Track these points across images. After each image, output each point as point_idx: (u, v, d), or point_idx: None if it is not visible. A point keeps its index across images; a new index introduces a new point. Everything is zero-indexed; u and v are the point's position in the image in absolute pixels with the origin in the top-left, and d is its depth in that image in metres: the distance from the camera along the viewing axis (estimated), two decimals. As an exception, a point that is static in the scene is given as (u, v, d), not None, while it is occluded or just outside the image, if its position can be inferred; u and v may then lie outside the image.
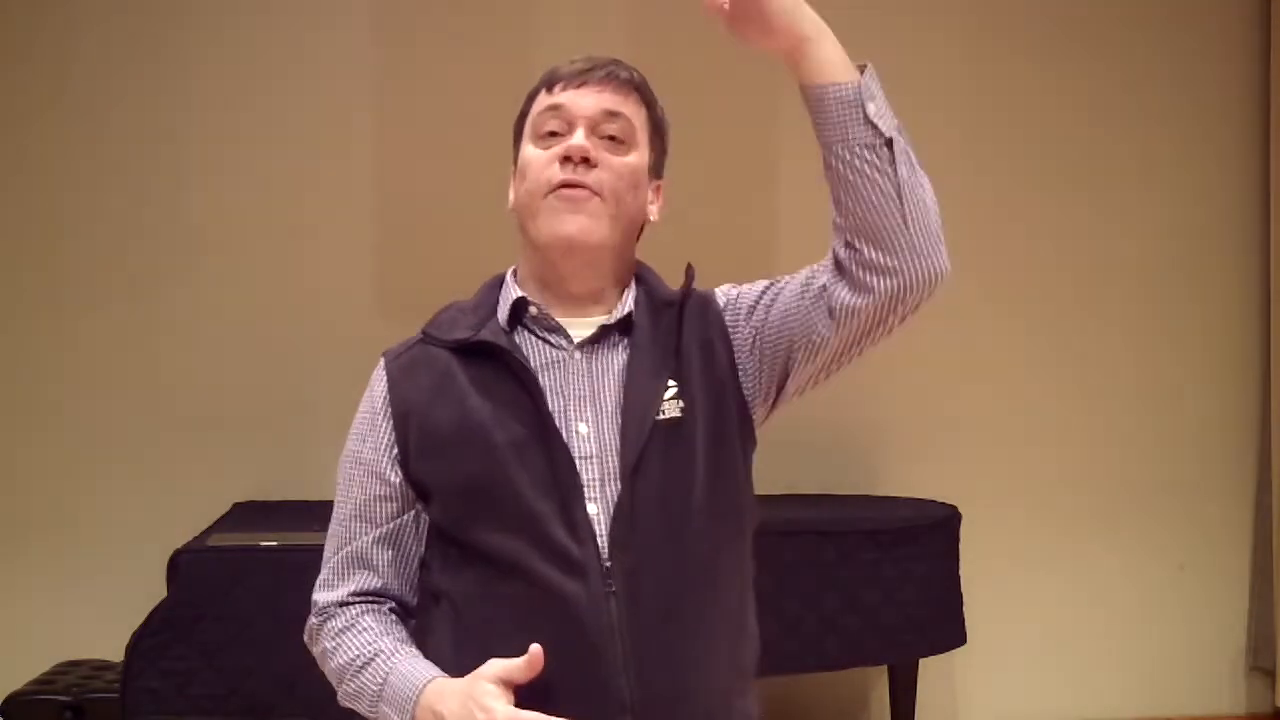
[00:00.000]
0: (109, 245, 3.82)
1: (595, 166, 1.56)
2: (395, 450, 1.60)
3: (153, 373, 3.82)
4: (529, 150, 1.61)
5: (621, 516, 1.51)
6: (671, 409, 1.57)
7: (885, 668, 3.58)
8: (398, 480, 1.60)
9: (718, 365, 1.63)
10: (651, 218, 1.66)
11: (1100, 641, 4.12)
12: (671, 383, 1.59)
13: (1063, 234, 4.12)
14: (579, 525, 1.50)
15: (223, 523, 3.38)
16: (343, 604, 1.59)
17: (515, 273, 1.68)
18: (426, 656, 1.54)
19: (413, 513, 1.61)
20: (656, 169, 1.66)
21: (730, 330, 1.66)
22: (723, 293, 1.70)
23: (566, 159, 1.55)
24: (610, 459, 1.54)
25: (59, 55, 3.80)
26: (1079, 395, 4.13)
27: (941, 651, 3.51)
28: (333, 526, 1.65)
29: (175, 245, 3.84)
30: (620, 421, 1.56)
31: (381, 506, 1.61)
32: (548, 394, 1.56)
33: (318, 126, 3.88)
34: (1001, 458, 4.08)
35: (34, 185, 3.82)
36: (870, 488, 3.95)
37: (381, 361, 1.67)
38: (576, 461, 1.53)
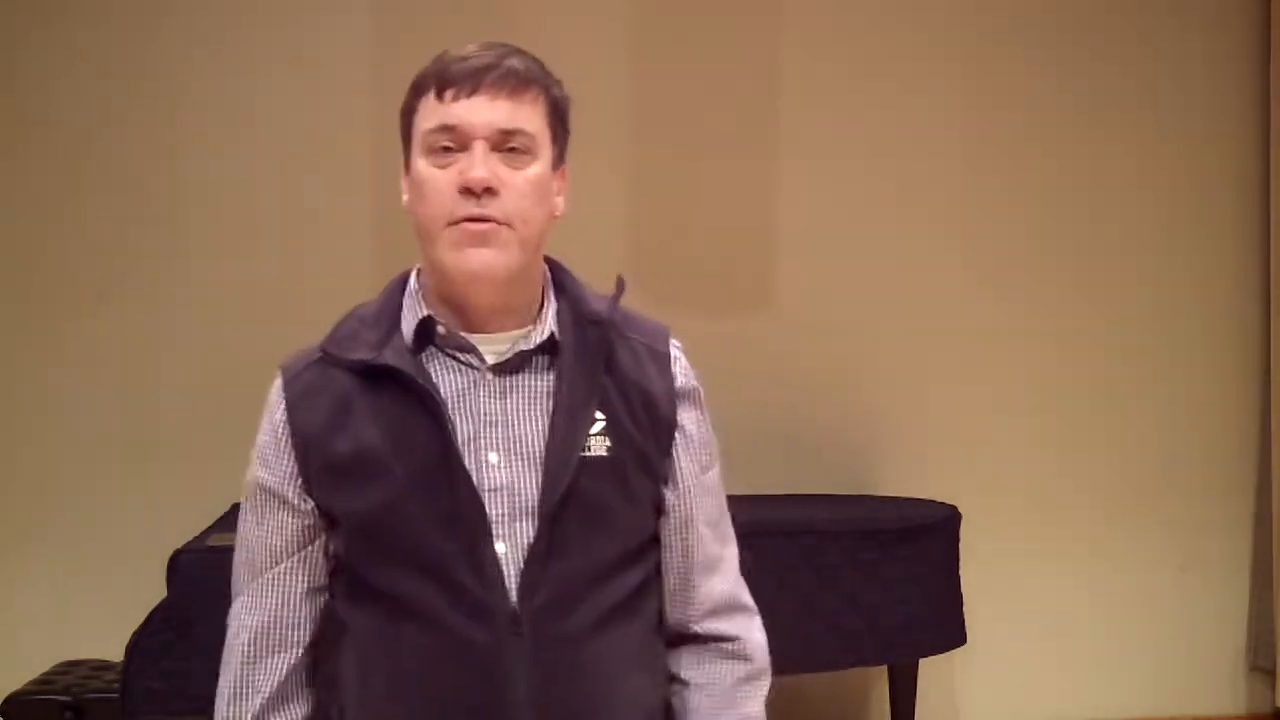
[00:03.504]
0: (108, 245, 3.82)
1: (498, 194, 1.43)
2: (299, 479, 1.50)
3: (153, 372, 3.82)
4: (423, 167, 1.50)
5: (535, 559, 1.42)
6: (598, 445, 1.47)
7: (885, 668, 3.58)
8: (307, 507, 1.50)
9: (655, 419, 1.51)
10: (557, 212, 1.52)
11: (1100, 641, 4.12)
12: (599, 415, 1.48)
13: (1064, 236, 4.12)
14: (485, 566, 1.42)
15: (223, 523, 3.38)
16: None
17: (419, 275, 1.57)
18: (333, 682, 1.51)
19: (323, 538, 1.53)
20: (560, 158, 1.53)
21: (672, 429, 1.53)
22: (684, 375, 1.56)
23: (468, 189, 1.44)
24: (523, 492, 1.44)
25: (55, 54, 3.80)
26: (1079, 395, 4.13)
27: (941, 651, 3.51)
28: (242, 554, 1.57)
29: (174, 244, 3.84)
30: (540, 454, 1.45)
31: (291, 535, 1.52)
32: (457, 419, 1.45)
33: (317, 125, 3.88)
34: (1001, 458, 4.08)
35: (34, 185, 3.82)
36: (870, 488, 3.95)
37: (279, 380, 1.54)
38: (484, 495, 1.43)
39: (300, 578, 1.53)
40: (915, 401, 4.04)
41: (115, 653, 3.05)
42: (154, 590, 3.05)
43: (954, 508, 3.57)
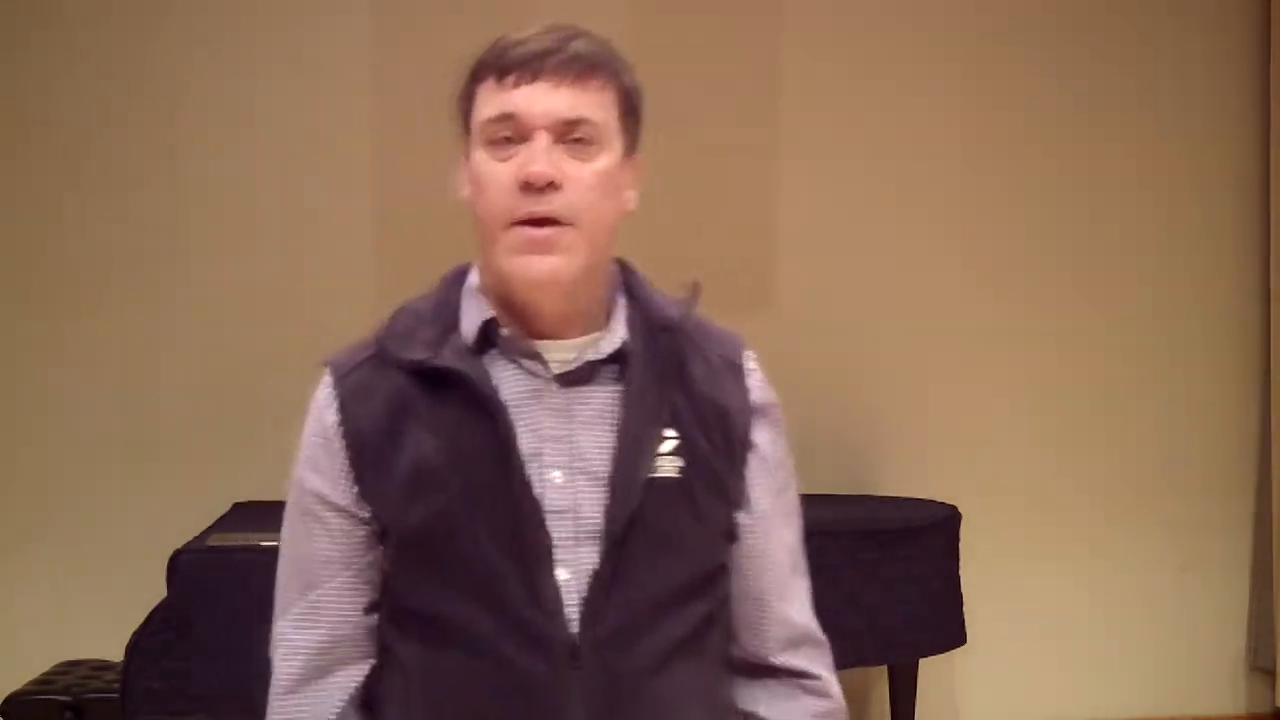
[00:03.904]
0: (107, 244, 3.82)
1: (560, 188, 1.32)
2: (355, 485, 1.37)
3: (153, 372, 3.82)
4: (481, 160, 1.38)
5: (598, 587, 1.31)
6: (668, 466, 1.36)
7: (885, 668, 3.58)
8: (365, 514, 1.38)
9: (729, 437, 1.40)
10: (630, 207, 1.40)
11: (1100, 641, 4.11)
12: (670, 432, 1.36)
13: (1064, 236, 4.12)
14: (544, 592, 1.30)
15: (223, 523, 3.38)
16: None
17: (477, 273, 1.43)
18: (372, 711, 1.39)
19: (376, 552, 1.39)
20: (631, 148, 1.41)
21: (746, 448, 1.42)
22: (760, 389, 1.45)
23: (528, 184, 1.32)
24: (587, 515, 1.33)
25: (53, 52, 3.80)
26: (1079, 395, 4.13)
27: (941, 651, 3.51)
28: (289, 565, 1.44)
29: (174, 244, 3.84)
30: (608, 474, 1.33)
31: (349, 543, 1.39)
32: (520, 433, 1.33)
33: (317, 125, 3.87)
34: (1001, 458, 4.08)
35: (34, 185, 3.82)
36: (870, 488, 3.95)
37: (328, 379, 1.42)
38: (547, 516, 1.32)
39: (359, 592, 1.40)
40: (915, 401, 4.04)
41: (115, 653, 3.05)
42: (154, 590, 3.05)
43: (954, 508, 3.57)
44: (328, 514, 1.40)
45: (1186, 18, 4.15)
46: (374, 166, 3.89)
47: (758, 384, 1.45)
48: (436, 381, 1.35)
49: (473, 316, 1.38)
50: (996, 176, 4.08)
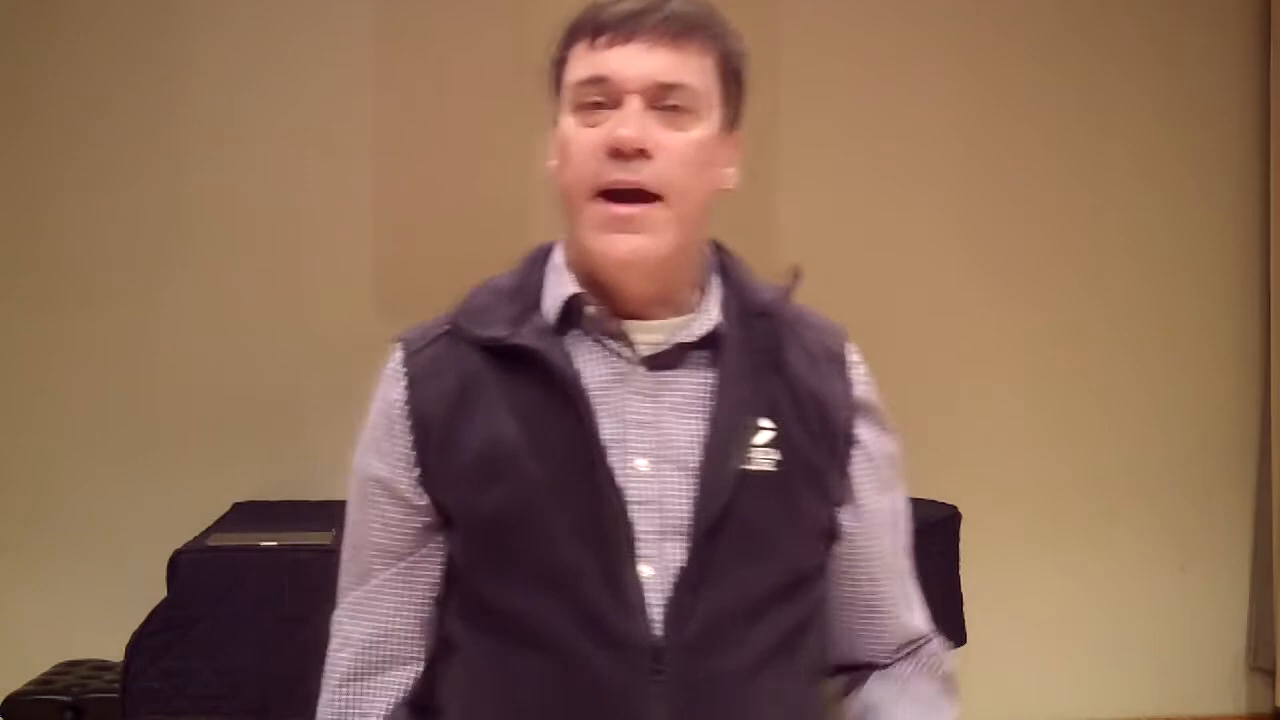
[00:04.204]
0: (107, 243, 3.82)
1: (651, 157, 1.22)
2: (416, 470, 1.29)
3: (153, 372, 3.82)
4: (569, 126, 1.27)
5: (685, 585, 1.22)
6: (763, 458, 1.26)
7: (885, 668, 3.58)
8: (423, 502, 1.30)
9: (830, 431, 1.31)
10: (728, 185, 1.32)
11: (1100, 641, 4.11)
12: (766, 423, 1.28)
13: (1064, 235, 4.12)
14: (627, 590, 1.21)
15: (223, 523, 3.38)
16: None
17: (564, 248, 1.34)
18: (434, 709, 1.32)
19: (440, 539, 1.32)
20: (732, 121, 1.32)
21: (850, 444, 1.33)
22: (864, 382, 1.38)
23: (616, 150, 1.22)
24: (673, 507, 1.24)
25: (53, 50, 3.80)
26: (1079, 395, 4.13)
27: (941, 651, 3.51)
28: (348, 553, 1.37)
29: (174, 244, 3.84)
30: (695, 464, 1.24)
31: (404, 533, 1.32)
32: (602, 418, 1.24)
33: (317, 122, 3.88)
34: (1001, 458, 4.08)
35: (34, 184, 3.82)
36: (870, 488, 3.94)
37: (398, 354, 1.33)
38: (630, 507, 1.23)
39: (417, 582, 1.32)
40: (915, 401, 4.03)
41: (115, 653, 3.05)
42: (154, 590, 3.04)
43: (954, 508, 3.56)
44: (384, 500, 1.32)
45: (1187, 17, 4.15)
46: (375, 165, 3.89)
47: (861, 378, 1.39)
48: (514, 361, 1.27)
49: (556, 293, 1.30)
50: (997, 176, 4.09)
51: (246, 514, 3.50)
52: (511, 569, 1.24)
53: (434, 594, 1.32)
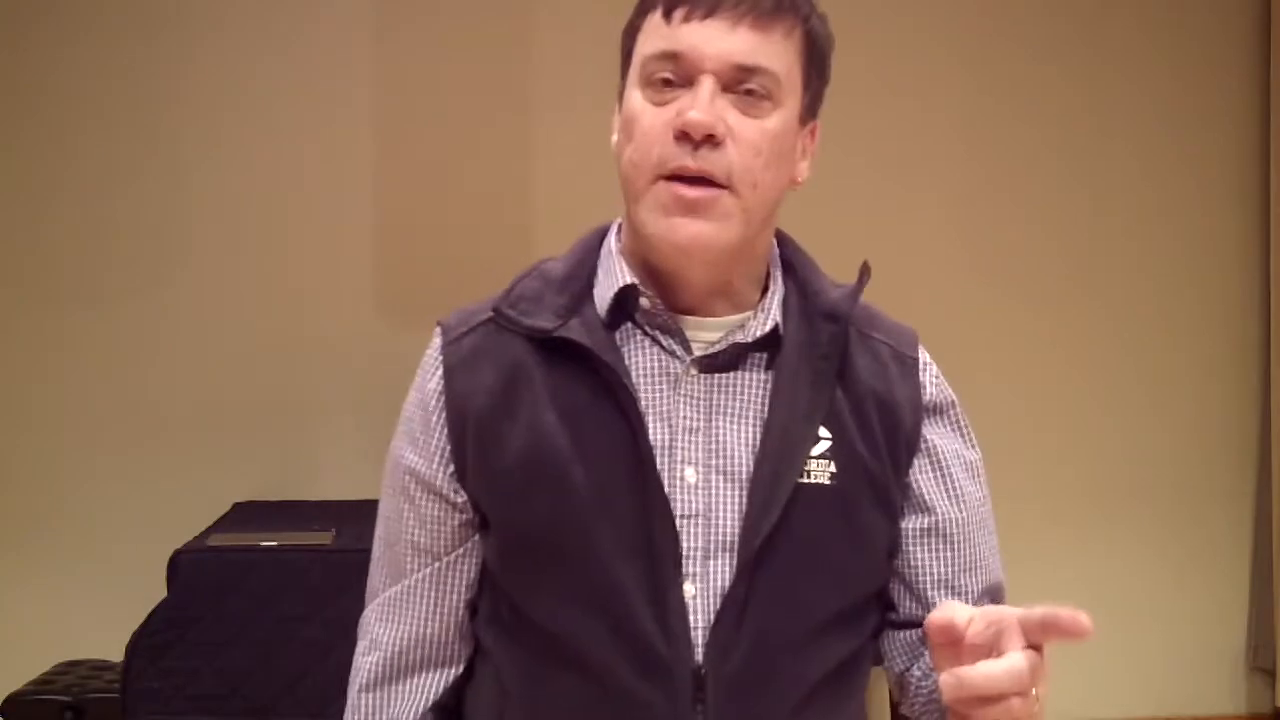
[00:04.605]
0: (107, 243, 3.82)
1: (721, 145, 1.13)
2: (451, 465, 1.21)
3: (152, 372, 3.82)
4: (636, 101, 1.17)
5: (732, 607, 1.12)
6: (819, 471, 1.17)
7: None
8: (461, 499, 1.21)
9: (894, 438, 1.22)
10: (799, 179, 1.26)
11: (1101, 641, 4.07)
12: (824, 433, 1.18)
13: (1064, 235, 4.12)
14: (670, 611, 1.12)
15: (223, 523, 3.38)
16: None
17: (619, 233, 1.25)
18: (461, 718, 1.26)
19: (473, 542, 1.24)
20: (811, 111, 1.25)
21: (913, 451, 1.23)
22: (935, 385, 1.27)
23: (684, 135, 1.13)
24: (721, 522, 1.15)
25: (52, 50, 3.80)
26: (1080, 395, 4.13)
27: (941, 651, 3.50)
28: (381, 549, 1.28)
29: (174, 243, 3.84)
30: (746, 475, 1.15)
31: (441, 531, 1.23)
32: (651, 421, 1.16)
33: (316, 122, 3.87)
34: (1002, 457, 4.05)
35: (34, 184, 3.82)
36: (870, 488, 3.95)
37: (437, 340, 1.25)
38: (677, 521, 1.14)
39: (454, 584, 1.24)
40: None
41: (115, 653, 3.05)
42: (154, 590, 3.04)
43: (954, 508, 3.56)
44: (420, 495, 1.23)
45: (1188, 17, 4.15)
46: (375, 165, 3.89)
47: (933, 380, 1.28)
48: (561, 355, 1.17)
49: (609, 282, 1.20)
50: (998, 177, 4.08)
51: (246, 514, 3.49)
52: (548, 582, 1.15)
53: (470, 596, 1.25)
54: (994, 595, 1.35)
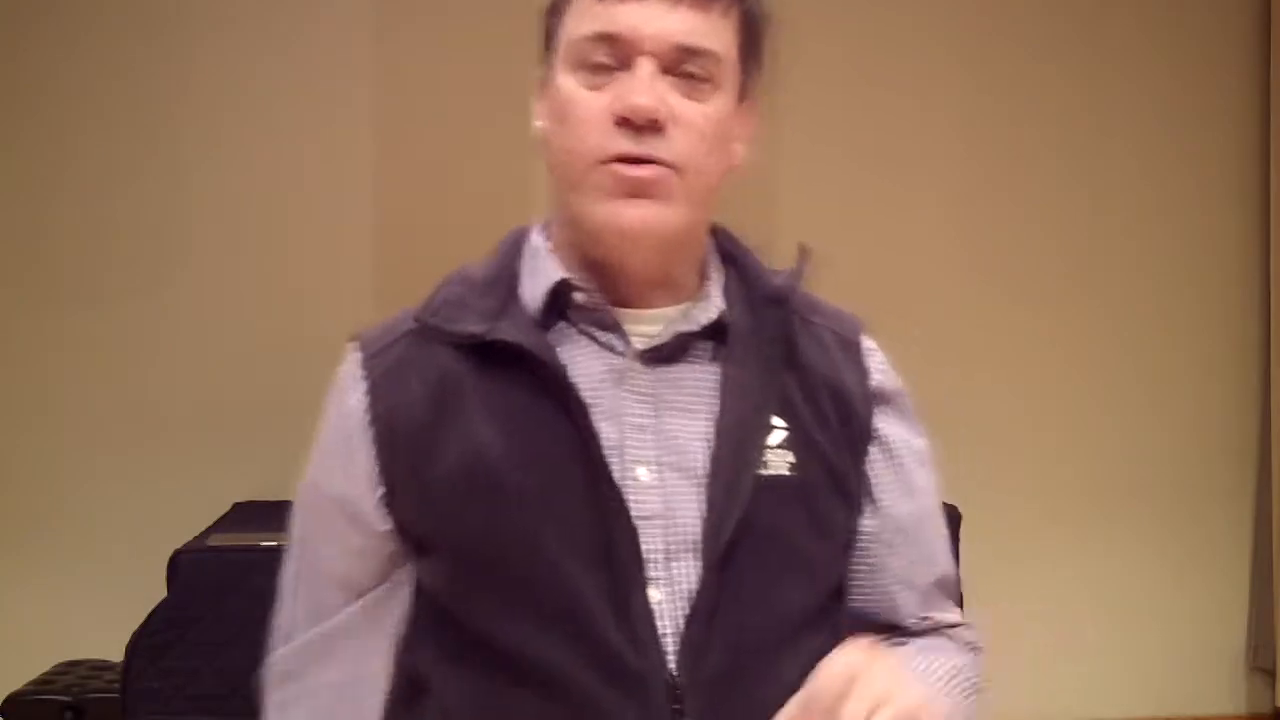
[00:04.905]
0: (107, 243, 3.82)
1: (664, 130, 1.08)
2: (381, 489, 1.13)
3: (152, 371, 3.82)
4: (569, 86, 1.11)
5: (702, 611, 1.06)
6: (778, 461, 1.12)
7: (885, 668, 3.58)
8: (388, 527, 1.13)
9: (848, 426, 1.18)
10: (736, 162, 1.19)
11: (1100, 641, 4.11)
12: (779, 422, 1.14)
13: (1064, 235, 4.12)
14: (637, 618, 1.05)
15: (223, 523, 3.38)
16: None
17: (546, 231, 1.19)
18: None
19: (400, 574, 1.15)
20: (747, 91, 1.18)
21: (868, 439, 1.20)
22: (882, 371, 1.25)
23: (625, 120, 1.07)
24: (681, 522, 1.09)
25: (52, 51, 3.80)
26: (1080, 394, 4.13)
27: (941, 651, 3.51)
28: (297, 587, 1.20)
29: (174, 243, 3.84)
30: (703, 471, 1.10)
31: (369, 563, 1.15)
32: (596, 420, 1.09)
33: (316, 122, 3.87)
34: (1002, 458, 4.07)
35: (34, 184, 3.82)
36: (870, 488, 3.94)
37: (355, 356, 1.18)
38: (636, 523, 1.08)
39: (380, 623, 1.15)
40: (915, 401, 4.04)
41: (115, 653, 3.05)
42: (154, 590, 3.04)
43: (954, 508, 3.56)
44: (345, 524, 1.15)
45: (1188, 17, 4.15)
46: (375, 164, 3.89)
47: (880, 366, 1.26)
48: (495, 361, 1.11)
49: (539, 281, 1.14)
50: (998, 176, 4.08)
51: (246, 514, 3.49)
52: (503, 599, 1.08)
53: (401, 631, 1.16)
54: (945, 588, 1.30)
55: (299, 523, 1.21)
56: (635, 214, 1.08)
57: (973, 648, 1.30)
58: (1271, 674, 4.15)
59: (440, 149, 3.85)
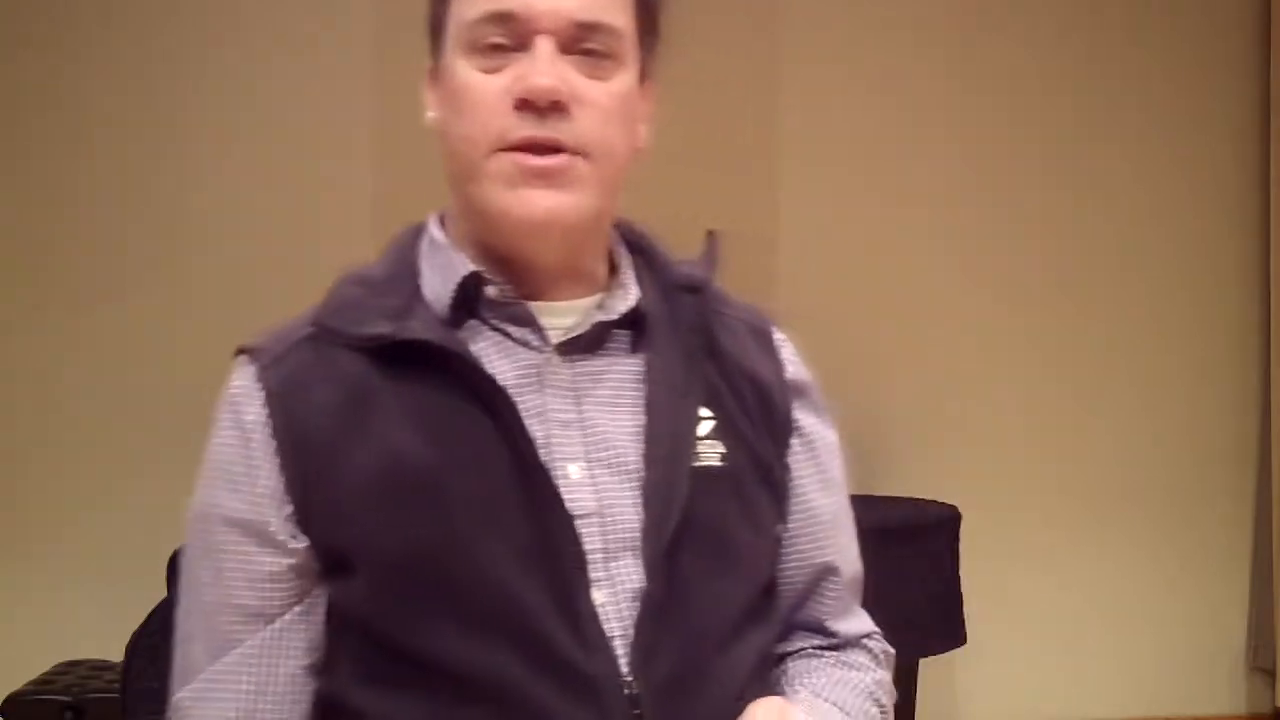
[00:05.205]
0: (108, 243, 3.82)
1: (568, 112, 1.03)
2: (289, 506, 1.04)
3: (153, 371, 3.82)
4: (463, 72, 1.06)
5: (650, 613, 1.02)
6: (709, 453, 1.08)
7: (885, 668, 3.58)
8: (299, 545, 1.05)
9: (770, 417, 1.14)
10: (640, 144, 1.13)
11: (1100, 642, 4.11)
12: (706, 412, 1.10)
13: (1063, 235, 4.12)
14: (584, 621, 1.00)
15: (223, 523, 3.37)
16: None
17: (442, 223, 1.16)
18: None
19: (312, 597, 1.06)
20: (648, 70, 1.12)
21: (788, 431, 1.16)
22: (794, 363, 1.20)
23: (526, 103, 1.02)
24: (619, 519, 1.04)
25: (55, 52, 3.80)
26: (1079, 395, 4.13)
27: (941, 652, 3.51)
28: (195, 621, 1.09)
29: (174, 244, 3.84)
30: (637, 465, 1.06)
31: (275, 589, 1.05)
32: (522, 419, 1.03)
33: (317, 123, 3.88)
34: (1001, 458, 4.08)
35: (34, 184, 3.82)
36: (870, 488, 3.94)
37: (248, 368, 1.13)
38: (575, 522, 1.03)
39: (292, 651, 1.06)
40: (915, 401, 4.04)
41: (115, 653, 3.04)
42: (154, 590, 3.04)
43: (954, 508, 3.56)
44: (247, 548, 1.06)
45: (1186, 17, 4.15)
46: (375, 166, 3.89)
47: (792, 358, 1.21)
48: (404, 362, 1.04)
49: (444, 276, 1.09)
50: (998, 177, 4.08)
51: (246, 514, 3.49)
52: (440, 612, 1.00)
53: (312, 659, 1.07)
54: (857, 586, 1.29)
55: (195, 554, 1.10)
56: (545, 203, 1.03)
57: (885, 658, 1.28)
58: (1271, 674, 4.15)
59: (440, 152, 3.85)
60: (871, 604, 3.51)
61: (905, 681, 3.54)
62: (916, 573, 3.35)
